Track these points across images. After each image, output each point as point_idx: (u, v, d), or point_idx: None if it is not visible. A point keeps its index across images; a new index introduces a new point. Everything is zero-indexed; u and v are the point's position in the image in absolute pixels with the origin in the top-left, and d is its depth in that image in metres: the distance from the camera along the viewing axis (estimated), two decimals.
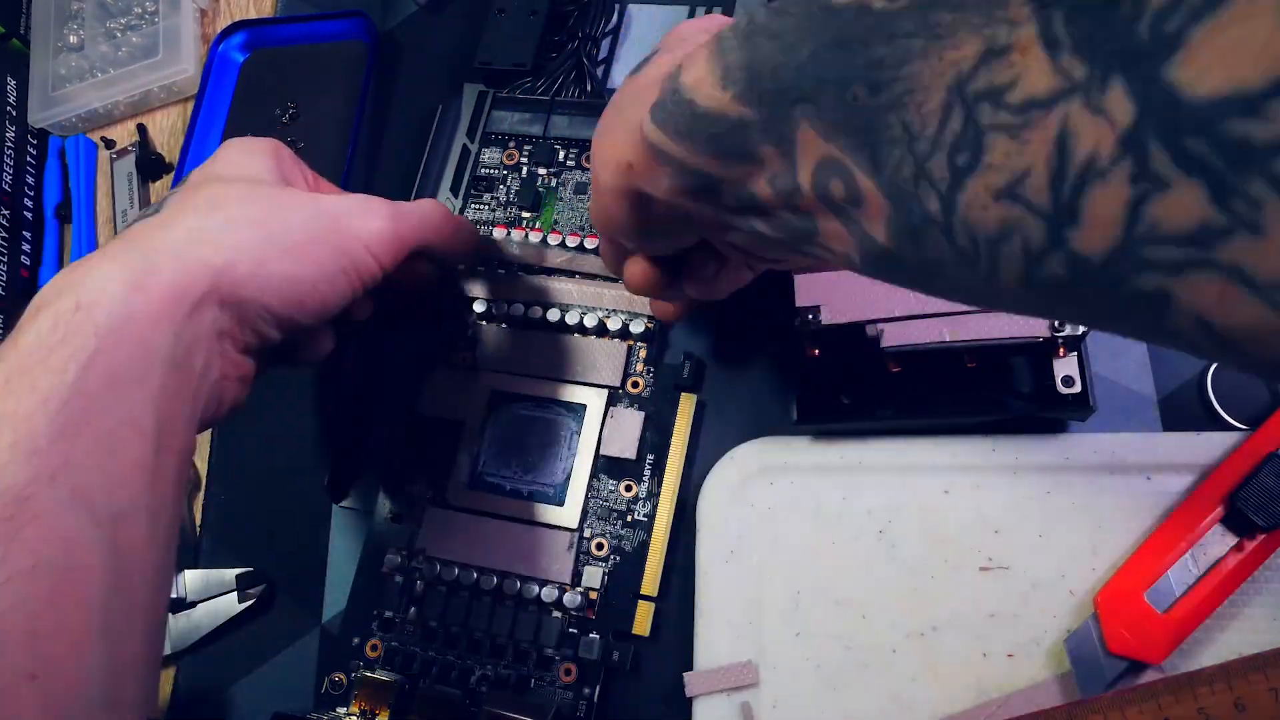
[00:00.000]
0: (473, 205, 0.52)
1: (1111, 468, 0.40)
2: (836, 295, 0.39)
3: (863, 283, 0.39)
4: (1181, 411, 0.41)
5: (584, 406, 0.46)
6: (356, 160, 0.55)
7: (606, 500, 0.44)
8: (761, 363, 0.46)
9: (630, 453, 0.44)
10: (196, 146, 0.58)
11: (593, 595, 0.43)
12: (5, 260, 0.56)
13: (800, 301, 0.40)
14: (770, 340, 0.46)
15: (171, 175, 0.58)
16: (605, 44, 0.55)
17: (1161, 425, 0.41)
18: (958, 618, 0.39)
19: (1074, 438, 0.40)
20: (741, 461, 0.43)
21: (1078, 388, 0.38)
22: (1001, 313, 0.37)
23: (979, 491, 0.40)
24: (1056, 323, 0.36)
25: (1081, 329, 0.37)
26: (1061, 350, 0.38)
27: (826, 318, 0.39)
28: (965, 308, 0.37)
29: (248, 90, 0.59)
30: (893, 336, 0.38)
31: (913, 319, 0.38)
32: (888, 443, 0.42)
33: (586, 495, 0.44)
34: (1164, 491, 0.39)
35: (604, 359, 0.46)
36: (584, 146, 0.51)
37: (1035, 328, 0.37)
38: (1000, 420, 0.41)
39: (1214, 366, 0.41)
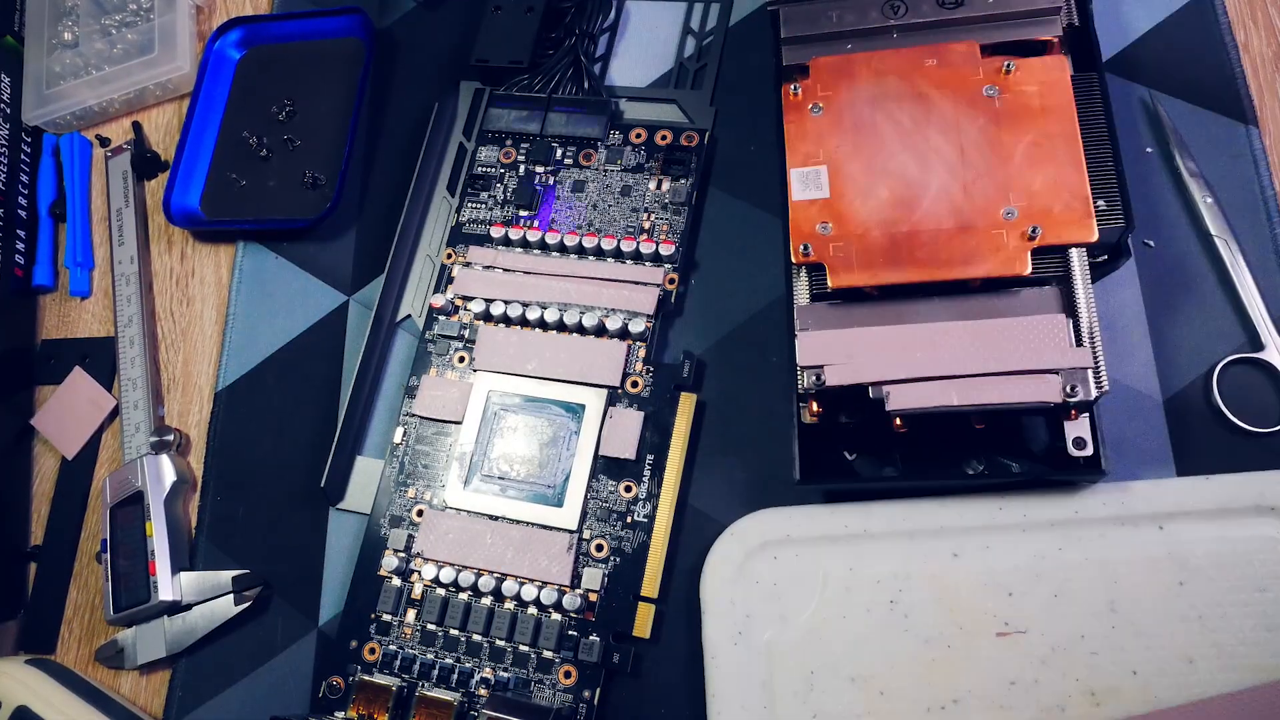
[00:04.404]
0: (469, 204, 0.51)
1: (1121, 519, 0.39)
2: (840, 355, 0.38)
3: (867, 342, 0.38)
4: (1187, 412, 0.41)
5: (583, 406, 0.45)
6: (353, 158, 0.55)
7: (606, 501, 0.44)
8: (760, 420, 0.45)
9: (630, 453, 0.44)
10: (192, 144, 0.57)
11: (592, 597, 0.43)
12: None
13: (803, 361, 0.38)
14: (770, 397, 0.45)
15: (166, 173, 0.58)
16: (603, 41, 0.54)
17: (1167, 427, 0.41)
18: (978, 688, 0.38)
19: (1081, 490, 0.39)
20: (742, 537, 0.42)
21: (1089, 450, 0.37)
22: (1011, 377, 0.36)
23: (989, 553, 0.39)
24: (1069, 387, 0.35)
25: (1095, 393, 0.35)
26: (1073, 413, 0.37)
27: (831, 379, 0.37)
28: (973, 370, 0.36)
29: (244, 88, 0.59)
30: (899, 399, 0.36)
31: (920, 381, 0.36)
32: (890, 506, 0.40)
33: (586, 496, 0.44)
34: (1177, 540, 0.38)
35: (603, 359, 0.46)
36: (581, 144, 0.51)
37: (1047, 392, 0.35)
38: (1009, 478, 0.39)
39: (1219, 366, 0.41)
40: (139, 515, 0.49)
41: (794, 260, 0.40)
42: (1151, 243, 0.43)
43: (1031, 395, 0.35)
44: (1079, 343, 0.36)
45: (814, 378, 0.38)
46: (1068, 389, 0.35)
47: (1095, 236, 0.37)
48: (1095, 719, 0.37)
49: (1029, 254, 0.37)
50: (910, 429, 0.39)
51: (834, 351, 0.38)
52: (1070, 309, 0.37)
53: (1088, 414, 0.37)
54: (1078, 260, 0.37)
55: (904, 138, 0.40)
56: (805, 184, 0.40)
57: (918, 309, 0.38)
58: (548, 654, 0.42)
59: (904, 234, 0.39)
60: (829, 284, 0.39)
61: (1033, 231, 0.37)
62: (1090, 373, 0.35)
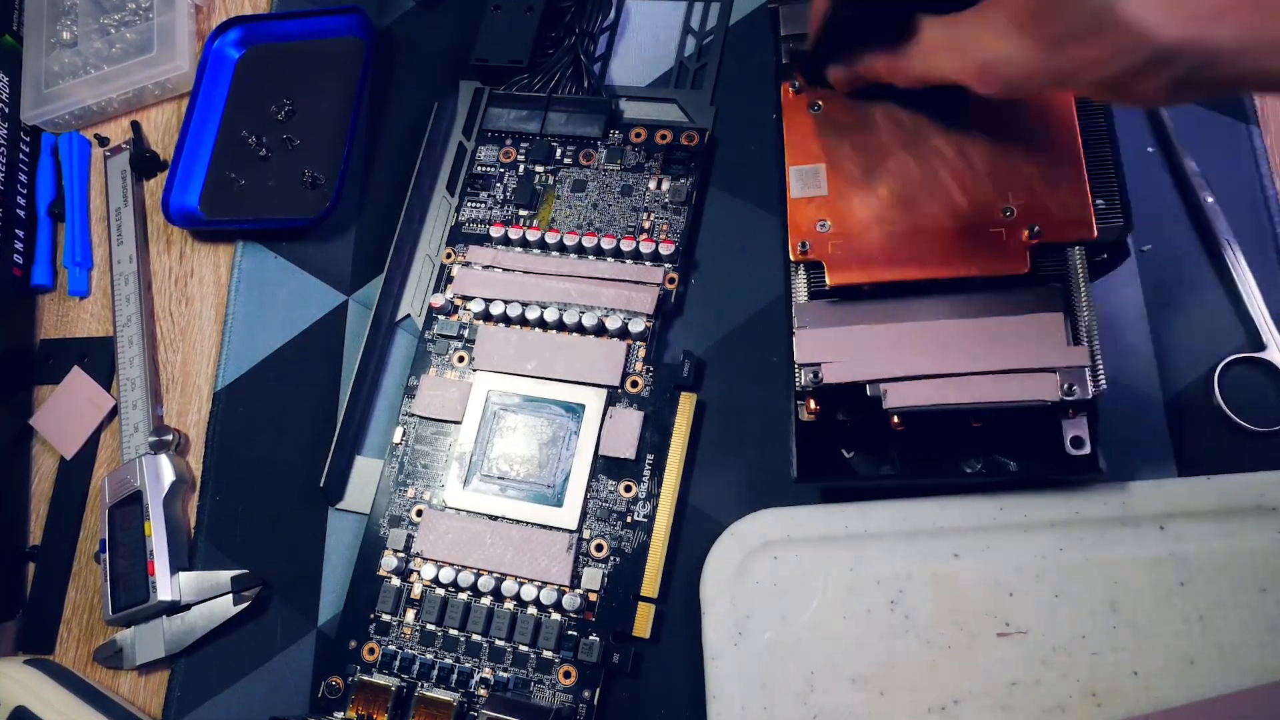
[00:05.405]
0: (469, 204, 0.51)
1: (1123, 519, 0.39)
2: (838, 352, 0.37)
3: (865, 340, 0.37)
4: (1188, 411, 0.41)
5: (583, 406, 0.45)
6: (353, 157, 0.54)
7: (606, 501, 0.44)
8: (760, 420, 0.45)
9: (629, 453, 0.44)
10: (191, 144, 0.57)
11: (592, 597, 0.43)
12: None
13: (800, 359, 0.38)
14: (770, 397, 0.45)
15: (165, 173, 0.58)
16: (603, 40, 0.54)
17: (1168, 427, 0.41)
18: (979, 689, 0.37)
19: (1082, 490, 0.39)
20: (742, 537, 0.41)
21: (1087, 449, 0.37)
22: (1008, 375, 0.36)
23: (989, 553, 0.39)
24: (1066, 386, 0.35)
25: (1092, 391, 0.35)
26: (1071, 411, 0.37)
27: (829, 376, 0.37)
28: (971, 368, 0.36)
29: (243, 87, 0.59)
30: (896, 397, 0.36)
31: (917, 379, 0.36)
32: (891, 506, 0.40)
33: (585, 496, 0.44)
34: (1178, 540, 0.38)
35: (603, 358, 0.46)
36: (581, 144, 0.51)
37: (1044, 391, 0.35)
38: (1006, 477, 0.39)
39: (1220, 366, 0.41)
40: (138, 515, 0.49)
41: (792, 258, 0.40)
42: (1148, 248, 0.43)
43: (1029, 394, 0.35)
44: (1077, 341, 0.36)
45: (811, 375, 0.38)
46: (1065, 388, 0.35)
47: (1094, 235, 0.37)
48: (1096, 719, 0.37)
49: (1028, 253, 0.37)
50: (908, 427, 0.38)
51: (832, 349, 0.38)
52: (1068, 308, 0.37)
53: (1086, 413, 0.37)
54: (1076, 259, 0.37)
55: (903, 136, 0.40)
56: (804, 182, 0.40)
57: (916, 307, 0.38)
58: (547, 654, 0.42)
59: (902, 232, 0.38)
60: (827, 282, 0.39)
61: (1032, 230, 0.37)
62: (1088, 371, 0.35)
